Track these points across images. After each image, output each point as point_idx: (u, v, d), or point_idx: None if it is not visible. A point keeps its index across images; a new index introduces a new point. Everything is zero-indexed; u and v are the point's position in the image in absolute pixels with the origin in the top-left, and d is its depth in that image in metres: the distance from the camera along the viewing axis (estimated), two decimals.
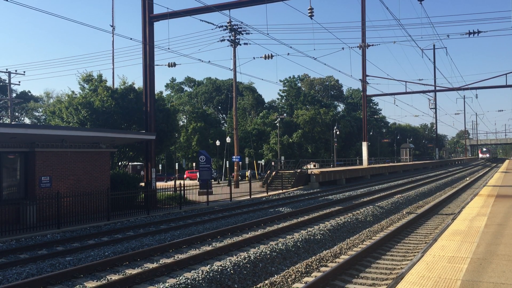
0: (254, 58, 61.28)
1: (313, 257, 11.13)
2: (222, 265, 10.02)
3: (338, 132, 63.54)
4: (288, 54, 48.03)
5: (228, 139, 51.87)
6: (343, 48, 37.97)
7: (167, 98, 67.16)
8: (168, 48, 66.36)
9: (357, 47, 37.31)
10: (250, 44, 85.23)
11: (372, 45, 36.81)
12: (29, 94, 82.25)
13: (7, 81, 48.38)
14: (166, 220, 18.48)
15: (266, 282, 9.12)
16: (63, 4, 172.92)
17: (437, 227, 15.80)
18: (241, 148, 59.07)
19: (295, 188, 34.45)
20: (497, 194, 19.41)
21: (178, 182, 33.52)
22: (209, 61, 69.74)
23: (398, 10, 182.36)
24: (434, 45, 76.32)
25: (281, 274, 9.64)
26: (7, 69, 46.78)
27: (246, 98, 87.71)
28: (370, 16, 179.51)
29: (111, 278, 9.78)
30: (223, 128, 78.28)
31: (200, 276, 9.21)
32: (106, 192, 19.25)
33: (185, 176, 59.46)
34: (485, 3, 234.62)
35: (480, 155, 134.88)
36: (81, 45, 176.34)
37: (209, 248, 12.63)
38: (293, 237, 13.53)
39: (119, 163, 27.75)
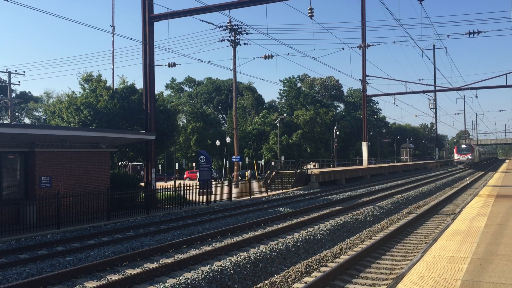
0: (254, 58, 61.21)
1: (313, 257, 11.13)
2: (222, 265, 10.02)
3: (338, 132, 63.56)
4: (288, 54, 48.14)
5: (228, 139, 51.87)
6: (343, 48, 38.03)
7: (167, 99, 67.14)
8: (168, 48, 66.38)
9: (357, 47, 37.34)
10: (250, 44, 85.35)
11: (372, 45, 36.82)
12: (29, 94, 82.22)
13: (7, 81, 48.37)
14: (166, 220, 18.47)
15: (266, 282, 9.12)
16: (63, 4, 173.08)
17: (437, 227, 15.80)
18: (240, 148, 59.06)
19: (295, 188, 34.44)
20: (497, 194, 19.41)
21: (178, 182, 33.52)
22: (209, 61, 69.79)
23: (398, 10, 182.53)
24: (434, 45, 76.17)
25: (281, 274, 9.64)
26: (7, 69, 46.81)
27: (246, 98, 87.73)
28: (370, 16, 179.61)
29: (111, 278, 9.78)
30: (223, 128, 78.30)
31: (200, 276, 9.22)
32: (106, 192, 19.25)
33: (185, 176, 59.44)
34: (485, 3, 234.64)
35: (456, 157, 75.00)
36: (81, 45, 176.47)
37: (209, 248, 12.63)
38: (293, 237, 13.53)
39: (119, 163, 27.75)
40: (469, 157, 72.42)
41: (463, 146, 75.83)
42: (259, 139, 73.63)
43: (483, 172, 57.85)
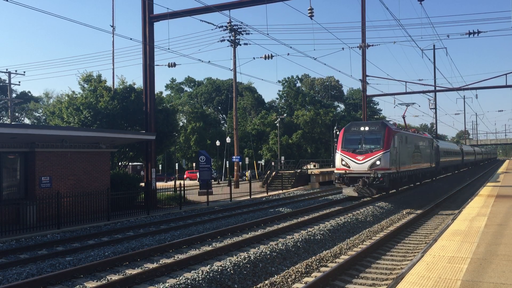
0: (254, 58, 61.17)
1: (313, 257, 11.12)
2: (222, 265, 10.02)
3: (338, 132, 63.50)
4: (288, 54, 48.13)
5: (228, 139, 51.90)
6: (343, 48, 38.04)
7: (167, 99, 67.24)
8: (168, 48, 66.54)
9: (357, 47, 37.22)
10: (250, 44, 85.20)
11: (372, 45, 36.70)
12: (29, 94, 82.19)
13: (7, 81, 48.38)
14: (166, 220, 18.47)
15: (266, 282, 9.12)
16: (63, 4, 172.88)
17: (437, 227, 15.80)
18: (240, 148, 59.07)
19: (295, 188, 34.45)
20: (497, 194, 19.40)
21: (178, 182, 33.52)
22: (209, 61, 69.86)
23: (398, 10, 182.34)
24: (434, 45, 75.59)
25: (281, 274, 9.63)
26: (7, 69, 46.83)
27: (246, 99, 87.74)
28: (370, 16, 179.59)
29: (111, 278, 9.78)
30: (223, 128, 78.34)
31: (200, 276, 9.22)
32: (106, 192, 19.24)
33: (185, 176, 59.46)
34: (485, 3, 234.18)
35: (340, 163, 23.96)
36: (81, 45, 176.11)
37: (209, 248, 12.63)
38: (293, 237, 13.53)
39: (119, 163, 27.74)
40: (377, 163, 23.22)
41: (362, 128, 24.10)
42: (259, 139, 73.64)
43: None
